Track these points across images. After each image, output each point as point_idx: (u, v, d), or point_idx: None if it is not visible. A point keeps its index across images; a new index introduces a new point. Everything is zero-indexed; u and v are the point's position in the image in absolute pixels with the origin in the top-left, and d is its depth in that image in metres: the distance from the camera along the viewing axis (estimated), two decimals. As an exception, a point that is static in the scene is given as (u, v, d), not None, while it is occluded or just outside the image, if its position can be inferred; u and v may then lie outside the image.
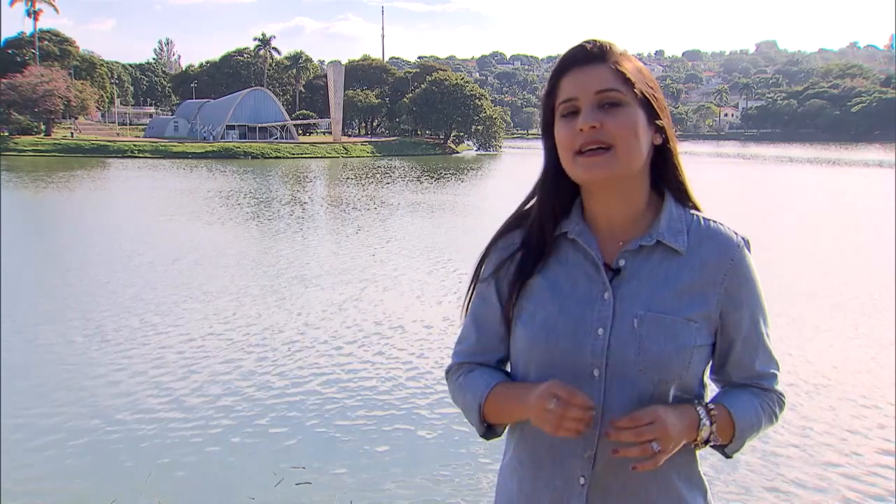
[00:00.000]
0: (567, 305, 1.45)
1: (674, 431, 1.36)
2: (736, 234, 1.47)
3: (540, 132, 1.52)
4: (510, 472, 1.58)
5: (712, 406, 1.44)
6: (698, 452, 1.51)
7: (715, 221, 1.48)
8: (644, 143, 1.41)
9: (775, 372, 1.52)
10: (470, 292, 1.60)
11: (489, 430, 1.55)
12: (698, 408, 1.42)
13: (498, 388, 1.50)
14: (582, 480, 1.44)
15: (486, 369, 1.56)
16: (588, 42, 1.43)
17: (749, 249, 1.47)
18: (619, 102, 1.39)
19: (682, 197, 1.50)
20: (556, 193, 1.49)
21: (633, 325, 1.40)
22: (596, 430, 1.42)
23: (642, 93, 1.41)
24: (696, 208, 1.50)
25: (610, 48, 1.41)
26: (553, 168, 1.48)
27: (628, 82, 1.40)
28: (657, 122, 1.44)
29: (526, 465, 1.53)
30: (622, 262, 1.45)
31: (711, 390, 1.56)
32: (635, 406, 1.40)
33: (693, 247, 1.45)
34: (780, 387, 1.53)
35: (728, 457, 1.51)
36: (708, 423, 1.42)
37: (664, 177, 1.49)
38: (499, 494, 1.62)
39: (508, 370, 1.59)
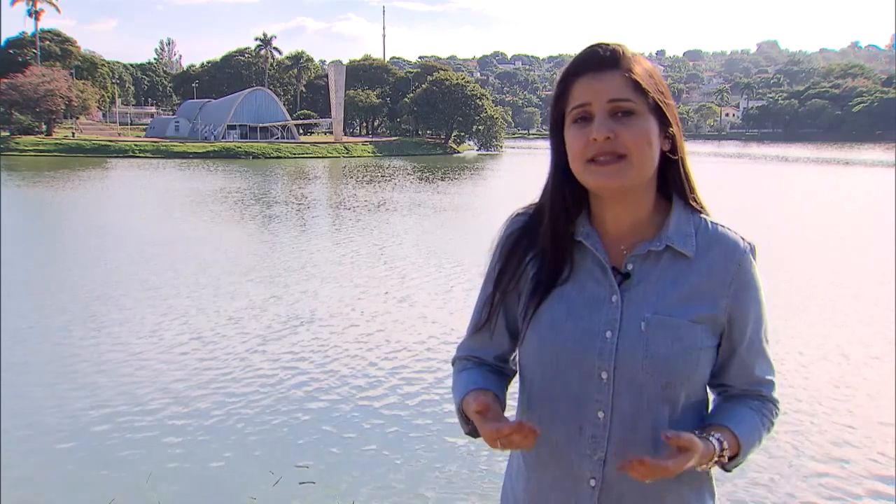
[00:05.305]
0: (575, 308, 1.45)
1: (677, 472, 1.36)
2: (743, 239, 1.47)
3: (548, 133, 1.50)
4: (515, 474, 1.58)
5: (725, 443, 1.42)
6: None
7: (722, 226, 1.48)
8: (656, 151, 1.41)
9: (773, 379, 1.53)
10: (484, 290, 1.59)
11: (474, 430, 1.52)
12: (716, 445, 1.41)
13: (468, 396, 1.51)
14: (593, 482, 1.44)
15: (476, 370, 1.60)
16: (600, 47, 1.40)
17: (755, 256, 1.47)
18: (632, 111, 1.38)
19: (690, 201, 1.49)
20: (566, 197, 1.47)
21: (640, 328, 1.40)
22: (605, 432, 1.42)
23: (655, 101, 1.40)
24: (704, 211, 1.50)
25: (623, 53, 1.39)
26: (562, 171, 1.46)
27: (641, 90, 1.38)
28: (668, 128, 1.43)
29: (531, 466, 1.52)
30: (631, 267, 1.45)
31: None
32: (644, 408, 1.41)
33: (701, 251, 1.45)
34: (776, 394, 1.54)
35: (727, 471, 1.51)
36: (717, 460, 1.42)
37: (671, 181, 1.48)
38: (504, 496, 1.62)
39: (506, 365, 1.63)
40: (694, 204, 1.49)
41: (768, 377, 1.51)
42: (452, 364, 1.67)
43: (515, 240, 1.53)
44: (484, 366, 1.62)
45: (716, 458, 1.41)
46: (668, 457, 1.33)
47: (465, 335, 1.65)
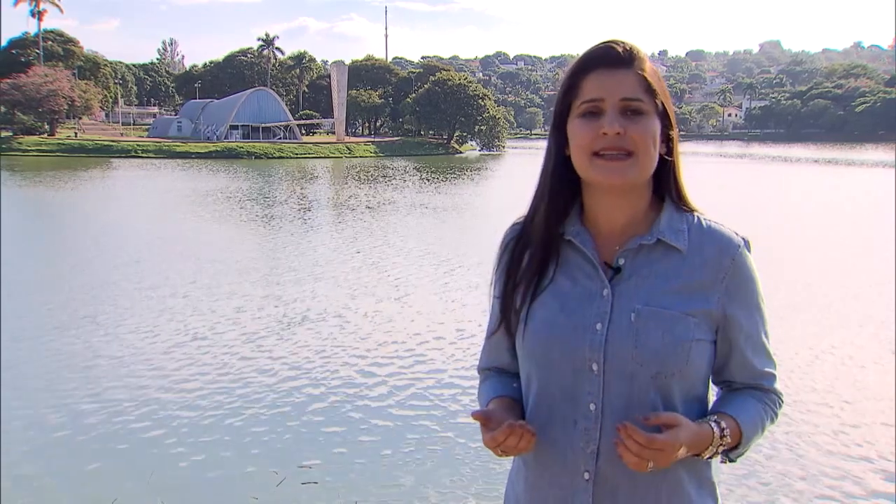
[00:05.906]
0: (567, 303, 1.46)
1: (677, 456, 1.36)
2: (736, 234, 1.49)
3: (547, 129, 1.52)
4: (516, 474, 1.61)
5: (725, 425, 1.43)
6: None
7: (715, 222, 1.50)
8: (658, 152, 1.43)
9: (774, 371, 1.54)
10: (492, 301, 1.62)
11: None
12: (715, 428, 1.41)
13: (490, 405, 1.57)
14: (587, 476, 1.44)
15: (496, 378, 1.65)
16: (617, 44, 1.42)
17: (749, 250, 1.48)
18: (641, 111, 1.40)
19: (682, 202, 1.51)
20: (561, 194, 1.49)
21: (630, 319, 1.41)
22: (597, 425, 1.43)
23: (662, 104, 1.43)
24: (696, 211, 1.52)
25: (637, 53, 1.42)
26: (559, 166, 1.48)
27: (651, 91, 1.41)
28: (668, 131, 1.46)
29: (531, 464, 1.54)
30: (622, 261, 1.46)
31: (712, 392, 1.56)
32: (635, 401, 1.40)
33: (694, 246, 1.46)
34: (778, 385, 1.55)
35: (731, 461, 1.51)
36: (718, 445, 1.42)
37: (664, 183, 1.50)
38: (507, 497, 1.64)
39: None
40: (685, 205, 1.51)
41: (768, 370, 1.52)
42: (479, 374, 1.72)
43: (513, 248, 1.56)
44: (504, 374, 1.64)
45: (718, 444, 1.41)
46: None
47: (482, 346, 1.69)
